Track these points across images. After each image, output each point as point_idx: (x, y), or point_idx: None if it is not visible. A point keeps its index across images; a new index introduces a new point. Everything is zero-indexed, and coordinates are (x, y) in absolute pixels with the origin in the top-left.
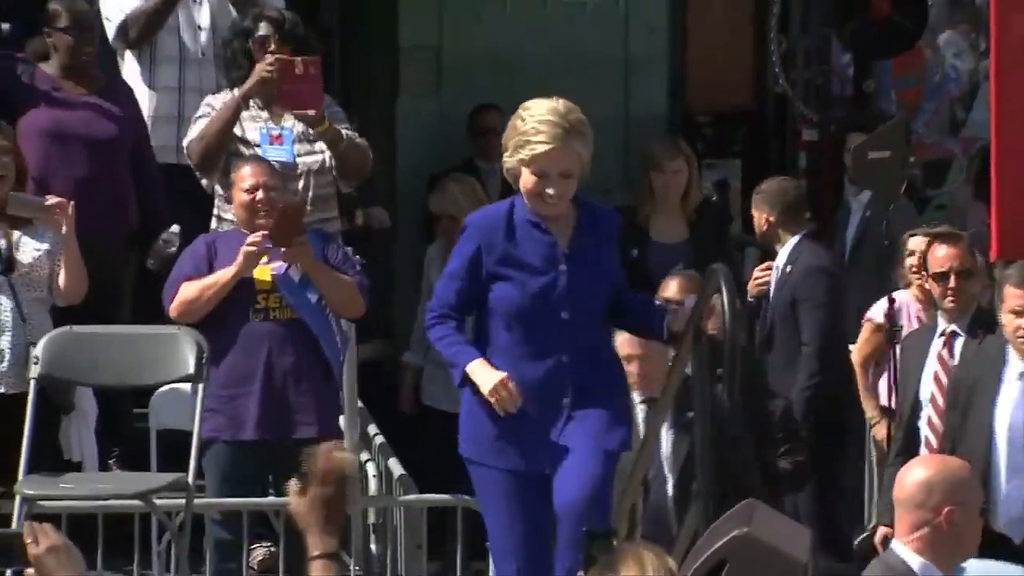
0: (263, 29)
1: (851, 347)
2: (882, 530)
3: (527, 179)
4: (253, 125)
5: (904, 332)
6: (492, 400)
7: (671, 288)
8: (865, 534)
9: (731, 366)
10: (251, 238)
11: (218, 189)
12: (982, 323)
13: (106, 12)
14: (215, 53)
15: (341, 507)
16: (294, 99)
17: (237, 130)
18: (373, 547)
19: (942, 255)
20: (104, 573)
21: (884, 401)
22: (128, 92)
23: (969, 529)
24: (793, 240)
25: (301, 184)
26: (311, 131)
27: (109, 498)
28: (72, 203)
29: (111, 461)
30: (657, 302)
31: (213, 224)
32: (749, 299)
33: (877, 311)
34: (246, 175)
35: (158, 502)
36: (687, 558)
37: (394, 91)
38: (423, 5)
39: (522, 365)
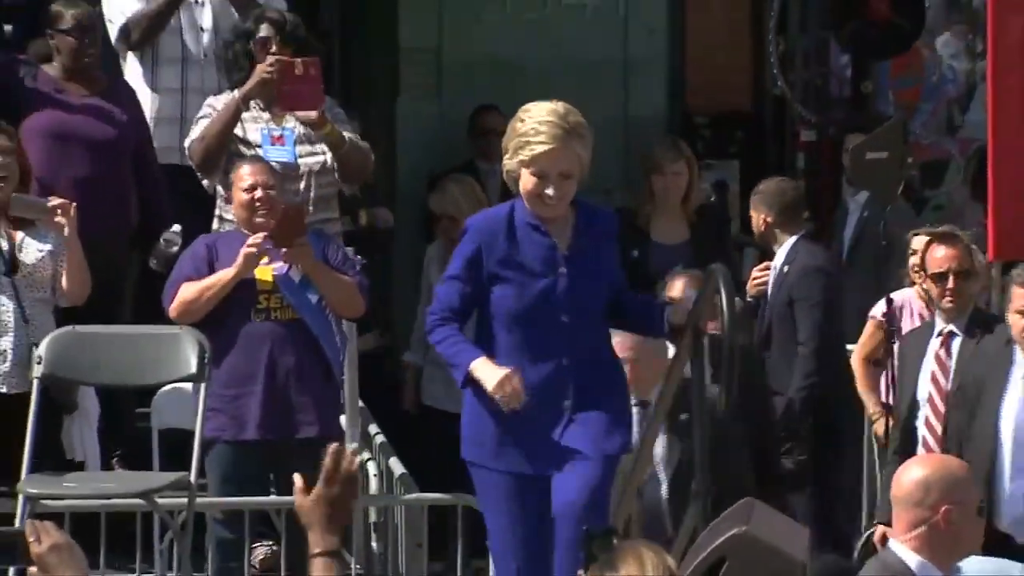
0: (264, 31)
1: (849, 347)
2: (882, 528)
3: (527, 180)
4: (254, 126)
5: (907, 330)
6: (497, 397)
7: (676, 287)
8: (867, 534)
9: (729, 366)
10: (252, 239)
11: (219, 190)
12: (980, 323)
13: (108, 14)
14: (216, 55)
15: (346, 507)
16: (294, 100)
17: (238, 131)
18: (374, 545)
19: (940, 256)
20: (106, 572)
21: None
22: (130, 93)
23: (967, 528)
24: (791, 240)
25: (303, 185)
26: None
27: (111, 497)
28: (74, 204)
29: (113, 460)
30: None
31: (215, 224)
32: (748, 299)
33: (880, 309)
34: (244, 175)
35: (160, 501)
36: (686, 556)
37: (394, 92)
38: (423, 6)
39: (523, 367)
